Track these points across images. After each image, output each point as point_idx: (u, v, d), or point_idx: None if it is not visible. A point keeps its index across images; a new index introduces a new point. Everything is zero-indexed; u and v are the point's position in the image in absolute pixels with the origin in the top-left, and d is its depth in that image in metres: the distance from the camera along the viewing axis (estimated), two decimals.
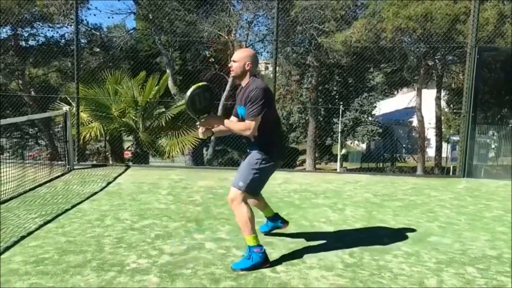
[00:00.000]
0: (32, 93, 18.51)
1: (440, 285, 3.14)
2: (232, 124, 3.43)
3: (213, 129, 3.47)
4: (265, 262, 3.37)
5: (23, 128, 20.19)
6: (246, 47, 19.17)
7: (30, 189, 5.52)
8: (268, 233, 4.06)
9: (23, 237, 3.80)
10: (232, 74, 3.44)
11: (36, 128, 19.88)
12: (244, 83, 3.43)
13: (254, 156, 3.42)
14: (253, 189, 3.44)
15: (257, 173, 3.38)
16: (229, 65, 3.43)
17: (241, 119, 3.46)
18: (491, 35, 12.63)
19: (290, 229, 4.22)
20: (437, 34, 14.21)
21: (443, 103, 20.73)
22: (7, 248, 3.55)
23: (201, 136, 3.51)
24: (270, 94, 3.41)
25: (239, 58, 3.39)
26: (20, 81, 18.61)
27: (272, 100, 3.47)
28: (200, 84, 3.31)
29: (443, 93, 20.32)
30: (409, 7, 14.65)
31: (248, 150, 3.53)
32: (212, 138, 15.63)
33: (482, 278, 3.29)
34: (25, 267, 3.21)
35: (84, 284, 2.96)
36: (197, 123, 3.40)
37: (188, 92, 3.21)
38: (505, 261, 3.64)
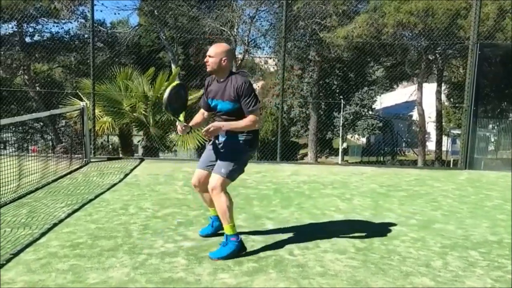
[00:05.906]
0: (37, 88, 18.75)
1: (445, 267, 3.40)
2: (237, 124, 3.39)
3: (190, 124, 3.59)
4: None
5: (27, 123, 20.37)
6: (248, 42, 19.41)
7: (53, 181, 5.78)
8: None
9: (55, 224, 4.06)
10: (209, 68, 3.41)
11: (41, 123, 20.11)
12: (222, 78, 3.44)
13: (238, 144, 3.47)
14: (234, 176, 3.57)
15: (242, 161, 3.55)
16: (205, 60, 3.41)
17: (226, 113, 3.43)
18: (491, 30, 12.85)
19: (303, 216, 4.51)
20: (438, 29, 14.43)
21: (443, 97, 20.97)
22: (43, 234, 3.80)
23: (180, 133, 3.58)
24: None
25: (215, 53, 3.36)
26: (26, 77, 18.85)
27: None
28: (174, 84, 3.43)
29: (443, 87, 20.55)
30: (410, 2, 14.86)
31: (221, 138, 3.53)
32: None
33: (484, 261, 3.56)
34: (63, 250, 3.47)
35: (119, 265, 3.22)
36: (177, 123, 3.48)
37: (166, 95, 3.29)
38: (505, 246, 3.91)
